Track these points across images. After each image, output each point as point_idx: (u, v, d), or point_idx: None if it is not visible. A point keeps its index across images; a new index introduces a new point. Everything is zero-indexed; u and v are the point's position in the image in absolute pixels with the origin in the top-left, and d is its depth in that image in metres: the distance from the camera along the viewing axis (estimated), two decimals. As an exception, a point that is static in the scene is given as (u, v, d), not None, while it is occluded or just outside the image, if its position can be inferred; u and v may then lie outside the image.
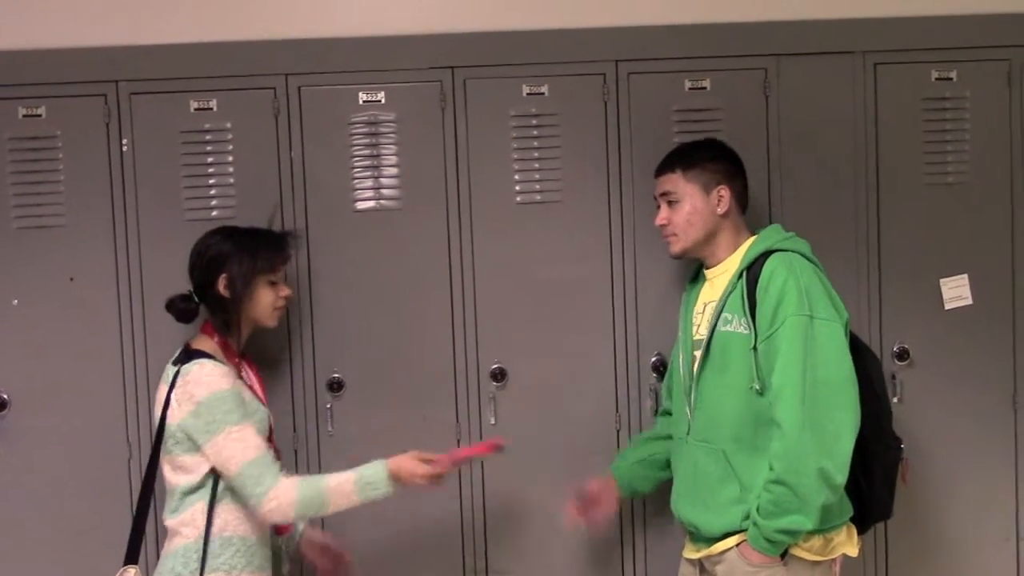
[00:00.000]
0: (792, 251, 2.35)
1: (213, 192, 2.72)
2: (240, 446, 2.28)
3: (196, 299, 2.47)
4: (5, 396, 2.69)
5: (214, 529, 2.31)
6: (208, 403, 2.29)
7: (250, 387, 2.46)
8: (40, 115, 2.70)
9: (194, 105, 2.72)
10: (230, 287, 2.42)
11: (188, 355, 2.37)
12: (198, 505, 2.31)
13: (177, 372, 2.34)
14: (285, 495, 2.27)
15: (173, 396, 2.33)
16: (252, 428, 2.32)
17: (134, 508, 2.47)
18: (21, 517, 2.70)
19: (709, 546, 2.36)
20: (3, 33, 2.71)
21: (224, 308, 2.44)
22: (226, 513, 2.33)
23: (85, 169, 2.70)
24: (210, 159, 2.72)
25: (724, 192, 2.45)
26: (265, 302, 2.46)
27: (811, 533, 2.26)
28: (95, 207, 2.71)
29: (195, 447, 2.31)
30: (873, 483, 2.41)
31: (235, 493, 2.31)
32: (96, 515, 2.63)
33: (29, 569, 2.70)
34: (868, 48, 2.79)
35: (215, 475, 2.32)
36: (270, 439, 2.46)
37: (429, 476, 2.38)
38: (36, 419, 2.70)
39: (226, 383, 2.32)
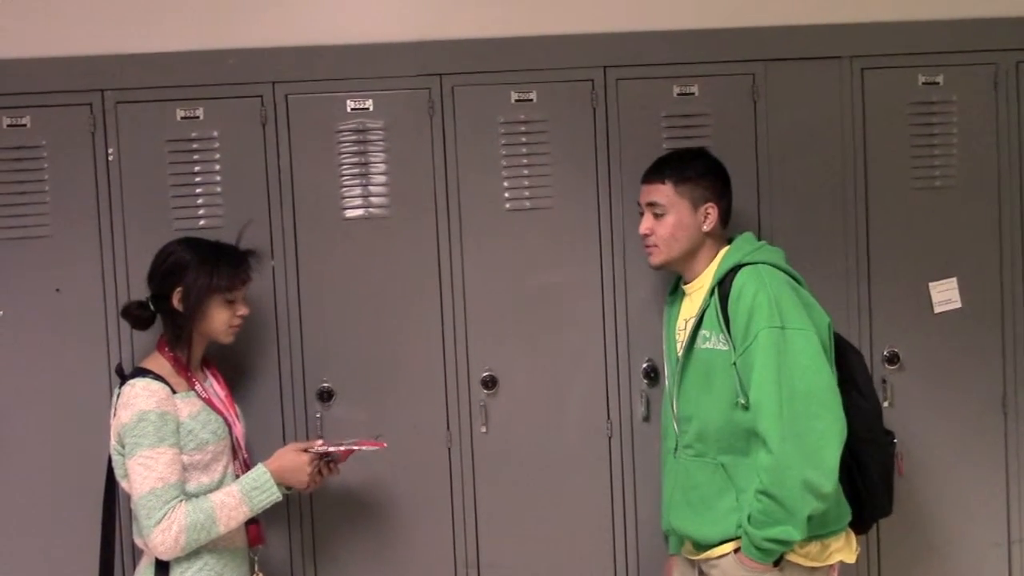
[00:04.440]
0: (762, 263, 2.34)
1: (200, 201, 2.71)
2: (143, 473, 2.22)
3: (152, 307, 2.41)
4: (-9, 408, 2.67)
5: None
6: (129, 424, 2.24)
7: (206, 399, 2.38)
8: (25, 125, 2.68)
9: (181, 114, 2.70)
10: (184, 301, 2.35)
11: (133, 373, 2.33)
12: None
13: (119, 393, 2.32)
14: (176, 523, 2.20)
15: (111, 418, 2.32)
16: (169, 453, 2.24)
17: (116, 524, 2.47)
18: (6, 526, 2.67)
19: (706, 551, 2.36)
20: (-13, 42, 2.70)
21: (176, 322, 2.37)
22: None
23: (71, 179, 2.68)
24: (197, 168, 2.70)
25: (712, 210, 2.44)
26: (219, 320, 2.39)
27: (808, 539, 2.25)
28: (81, 217, 2.68)
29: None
30: (870, 482, 2.39)
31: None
32: (83, 526, 2.59)
33: (16, 582, 2.68)
34: (855, 53, 2.80)
35: None
36: (235, 449, 2.42)
37: (313, 460, 2.37)
38: (22, 430, 2.67)
39: (150, 404, 2.25)
